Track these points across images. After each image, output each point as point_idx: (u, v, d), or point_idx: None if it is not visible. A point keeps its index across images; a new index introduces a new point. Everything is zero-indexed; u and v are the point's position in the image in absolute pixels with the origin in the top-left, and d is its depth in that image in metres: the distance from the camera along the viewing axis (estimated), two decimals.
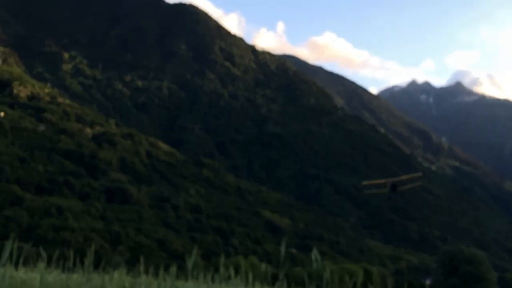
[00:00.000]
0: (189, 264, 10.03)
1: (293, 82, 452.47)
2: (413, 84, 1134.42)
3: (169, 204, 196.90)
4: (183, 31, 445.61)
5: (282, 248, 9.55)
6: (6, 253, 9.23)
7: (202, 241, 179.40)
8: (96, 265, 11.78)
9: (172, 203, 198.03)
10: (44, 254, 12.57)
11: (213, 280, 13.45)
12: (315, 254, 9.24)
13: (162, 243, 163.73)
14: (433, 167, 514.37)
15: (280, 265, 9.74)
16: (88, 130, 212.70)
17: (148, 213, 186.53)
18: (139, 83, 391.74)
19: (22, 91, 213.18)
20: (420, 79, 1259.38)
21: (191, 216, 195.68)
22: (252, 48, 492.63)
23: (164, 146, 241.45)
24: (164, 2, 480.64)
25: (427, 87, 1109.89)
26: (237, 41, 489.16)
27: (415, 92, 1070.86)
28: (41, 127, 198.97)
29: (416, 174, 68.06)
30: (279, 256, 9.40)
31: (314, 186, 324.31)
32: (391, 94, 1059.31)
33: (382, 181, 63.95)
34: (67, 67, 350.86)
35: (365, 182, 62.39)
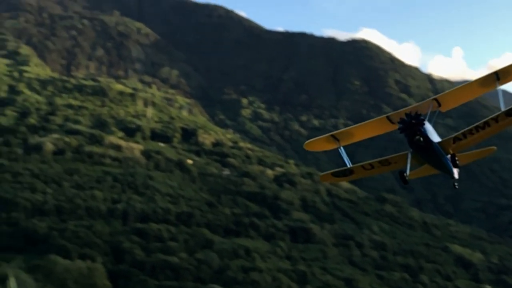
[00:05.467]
0: None
1: (475, 109, 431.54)
2: None
3: (353, 242, 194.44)
4: (356, 67, 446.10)
5: None
6: None
7: (390, 279, 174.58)
8: None
9: (356, 240, 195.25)
10: None
11: None
12: None
13: (349, 282, 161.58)
14: None
15: None
16: (269, 172, 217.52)
17: (332, 252, 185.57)
18: (315, 122, 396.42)
19: (206, 139, 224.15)
20: None
21: (377, 253, 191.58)
22: (428, 77, 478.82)
23: (344, 184, 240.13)
24: (336, 40, 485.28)
25: None
26: (412, 71, 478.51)
27: None
28: (226, 172, 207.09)
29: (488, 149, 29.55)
30: None
31: (506, 217, 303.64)
32: None
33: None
34: (246, 112, 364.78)
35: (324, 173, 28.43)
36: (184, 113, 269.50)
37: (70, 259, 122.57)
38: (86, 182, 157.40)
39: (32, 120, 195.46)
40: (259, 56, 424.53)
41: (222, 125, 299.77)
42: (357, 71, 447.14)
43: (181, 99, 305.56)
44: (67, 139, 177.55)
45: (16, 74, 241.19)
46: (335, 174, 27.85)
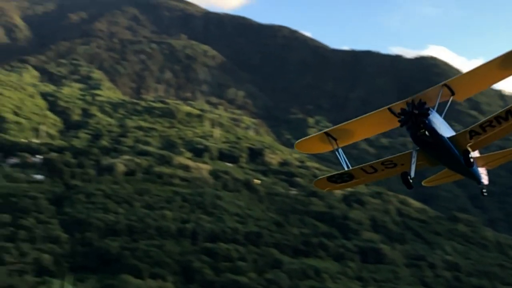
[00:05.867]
0: None
1: None
2: None
3: (425, 262, 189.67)
4: (424, 84, 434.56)
5: None
6: None
7: None
8: None
9: (428, 261, 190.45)
10: None
11: None
12: None
13: None
14: None
15: None
16: (338, 191, 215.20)
17: (404, 272, 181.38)
18: (384, 141, 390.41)
19: (273, 158, 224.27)
20: None
21: (450, 274, 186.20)
22: (499, 93, 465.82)
23: (414, 203, 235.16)
24: (403, 58, 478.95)
25: None
26: None
27: None
28: (293, 191, 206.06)
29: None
30: None
31: None
32: None
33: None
34: (311, 131, 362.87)
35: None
36: (251, 133, 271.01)
37: (141, 279, 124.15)
38: (156, 202, 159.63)
39: (104, 142, 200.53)
40: (325, 76, 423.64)
41: (288, 144, 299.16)
42: (425, 89, 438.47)
43: (247, 120, 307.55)
44: (137, 160, 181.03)
45: (89, 98, 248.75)
46: (332, 180, 23.62)
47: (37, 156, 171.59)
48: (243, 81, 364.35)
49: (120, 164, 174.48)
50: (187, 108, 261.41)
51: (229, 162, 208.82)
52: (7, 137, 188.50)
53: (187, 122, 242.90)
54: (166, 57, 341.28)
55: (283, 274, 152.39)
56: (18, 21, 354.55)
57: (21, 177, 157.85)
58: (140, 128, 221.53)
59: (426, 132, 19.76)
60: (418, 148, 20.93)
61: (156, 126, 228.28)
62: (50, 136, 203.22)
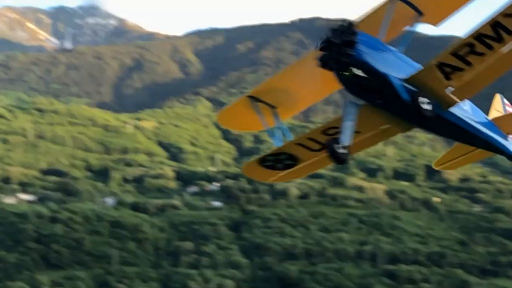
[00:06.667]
0: None
1: None
2: None
3: None
4: None
5: None
6: None
7: None
8: None
9: None
10: None
11: None
12: None
13: None
14: None
15: None
16: None
17: None
18: None
19: (453, 175, 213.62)
20: None
21: None
22: None
23: None
24: None
25: None
26: None
27: None
28: (477, 208, 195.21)
29: None
30: None
31: None
32: None
33: None
34: None
35: None
36: (426, 149, 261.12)
37: None
38: (332, 225, 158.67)
39: None
40: (505, 84, 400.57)
41: None
42: None
43: (422, 136, 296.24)
44: (310, 183, 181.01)
45: None
46: (266, 164, 14.66)
47: (214, 183, 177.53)
48: None
49: (293, 188, 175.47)
50: None
51: (405, 181, 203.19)
52: (186, 167, 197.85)
53: None
54: None
55: None
56: (191, 56, 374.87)
57: (201, 205, 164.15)
58: None
59: (356, 71, 11.77)
60: (356, 99, 12.86)
61: None
62: (225, 163, 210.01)
